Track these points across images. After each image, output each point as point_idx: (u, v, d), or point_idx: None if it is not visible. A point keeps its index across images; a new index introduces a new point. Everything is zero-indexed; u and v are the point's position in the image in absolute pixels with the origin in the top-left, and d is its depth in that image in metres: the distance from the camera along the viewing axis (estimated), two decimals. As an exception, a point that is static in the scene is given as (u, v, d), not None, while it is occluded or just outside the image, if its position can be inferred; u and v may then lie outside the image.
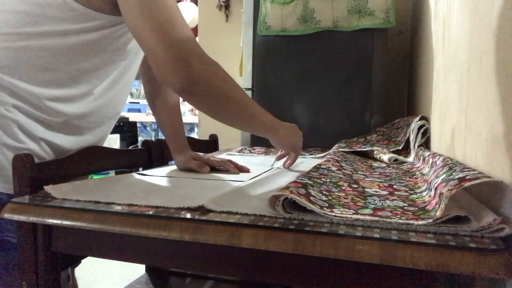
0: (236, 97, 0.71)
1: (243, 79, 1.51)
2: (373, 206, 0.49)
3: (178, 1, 3.86)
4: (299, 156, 0.90)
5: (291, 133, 0.84)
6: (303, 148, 1.37)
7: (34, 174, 0.64)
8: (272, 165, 0.92)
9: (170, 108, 0.96)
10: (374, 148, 1.05)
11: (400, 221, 0.42)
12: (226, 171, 0.84)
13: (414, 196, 0.56)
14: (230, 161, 0.86)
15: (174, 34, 0.63)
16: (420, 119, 1.02)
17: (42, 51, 0.68)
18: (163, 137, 0.99)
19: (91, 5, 0.68)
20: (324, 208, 0.46)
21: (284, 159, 0.90)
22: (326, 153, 1.10)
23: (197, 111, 3.24)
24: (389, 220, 0.43)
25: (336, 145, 1.16)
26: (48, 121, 0.73)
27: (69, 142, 0.78)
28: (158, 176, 0.78)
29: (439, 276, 0.41)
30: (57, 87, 0.72)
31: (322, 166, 0.70)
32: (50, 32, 0.68)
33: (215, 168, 0.86)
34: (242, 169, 0.85)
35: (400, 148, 1.06)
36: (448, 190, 0.43)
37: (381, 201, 0.52)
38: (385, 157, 0.96)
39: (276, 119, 0.81)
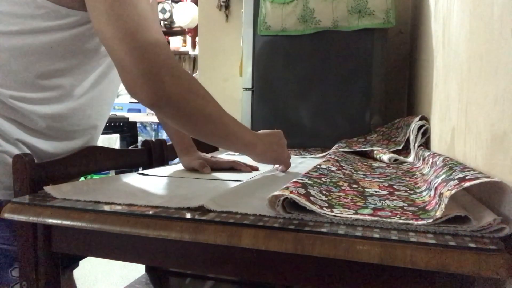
0: (212, 113, 0.67)
1: (243, 79, 1.51)
2: (373, 206, 0.49)
3: (177, 1, 3.86)
4: (298, 156, 0.90)
5: (271, 147, 0.79)
6: (303, 148, 1.37)
7: (34, 174, 0.64)
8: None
9: None
10: (374, 148, 1.05)
11: (400, 221, 0.42)
12: (230, 171, 0.84)
13: (414, 196, 0.56)
14: (237, 161, 0.87)
15: (145, 45, 0.57)
16: (420, 119, 1.02)
17: (10, 51, 0.66)
18: (163, 137, 0.99)
19: (61, 2, 0.64)
20: (324, 208, 0.46)
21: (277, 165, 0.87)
22: (326, 153, 1.10)
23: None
24: (389, 220, 0.43)
25: (336, 145, 1.16)
26: (27, 123, 0.70)
27: (52, 146, 0.75)
28: (158, 176, 0.78)
29: (439, 276, 0.41)
30: (29, 89, 0.69)
31: (322, 166, 0.70)
32: (18, 31, 0.65)
33: (216, 168, 0.87)
34: (252, 168, 0.87)
35: (400, 148, 1.06)
36: (448, 190, 0.43)
37: (381, 201, 0.52)
38: (385, 157, 0.96)
39: (254, 133, 0.77)
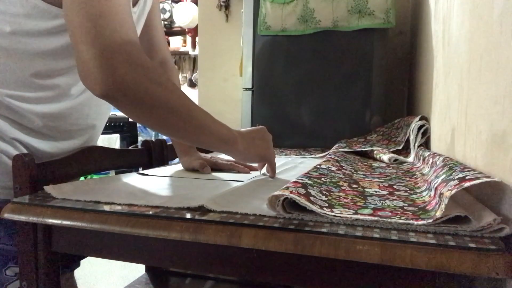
0: (177, 105, 0.60)
1: (243, 79, 1.51)
2: (373, 206, 0.49)
3: (177, 1, 3.86)
4: (298, 156, 0.90)
5: (253, 143, 0.73)
6: (303, 148, 1.37)
7: (34, 174, 0.64)
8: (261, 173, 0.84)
9: None
10: (374, 148, 1.05)
11: (400, 221, 0.42)
12: (230, 171, 0.84)
13: (414, 196, 0.56)
14: (237, 162, 0.87)
15: (103, 30, 0.53)
16: (420, 119, 1.02)
17: (6, 51, 0.65)
18: (163, 137, 0.99)
19: (53, 2, 0.63)
20: (324, 208, 0.46)
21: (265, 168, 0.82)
22: (326, 153, 1.10)
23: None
24: (389, 220, 0.43)
25: (336, 145, 1.16)
26: (24, 122, 0.70)
27: (50, 146, 0.75)
28: (158, 176, 0.78)
29: (439, 276, 0.41)
30: (26, 88, 0.69)
31: (322, 166, 0.70)
32: (13, 31, 0.64)
33: (216, 169, 0.87)
34: (251, 168, 0.86)
35: (400, 148, 1.06)
36: (448, 190, 0.43)
37: (381, 201, 0.52)
38: (385, 157, 0.96)
39: (234, 130, 0.71)
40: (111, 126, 3.17)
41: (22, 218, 0.54)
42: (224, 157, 0.95)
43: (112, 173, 2.41)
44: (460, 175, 0.47)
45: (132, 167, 0.97)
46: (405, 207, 0.49)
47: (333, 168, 0.71)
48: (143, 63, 0.56)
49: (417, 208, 0.48)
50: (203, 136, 0.64)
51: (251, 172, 0.85)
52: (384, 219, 0.43)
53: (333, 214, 0.45)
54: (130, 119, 3.33)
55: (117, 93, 0.54)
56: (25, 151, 0.71)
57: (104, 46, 0.52)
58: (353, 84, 1.38)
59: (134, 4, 0.79)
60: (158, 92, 0.57)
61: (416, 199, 0.54)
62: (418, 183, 0.65)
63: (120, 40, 0.54)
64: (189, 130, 0.63)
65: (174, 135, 0.65)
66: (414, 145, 0.99)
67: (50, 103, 0.72)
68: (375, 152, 1.03)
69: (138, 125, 3.54)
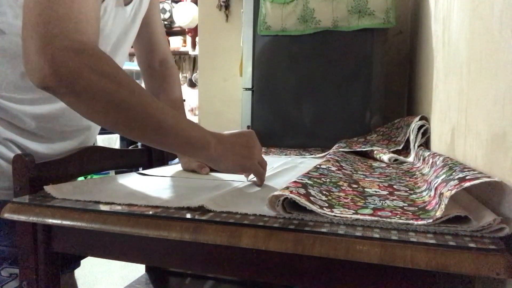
0: (128, 100, 0.53)
1: (243, 79, 1.51)
2: (373, 206, 0.49)
3: (177, 1, 3.86)
4: (298, 156, 0.89)
5: (233, 151, 0.64)
6: (303, 148, 1.37)
7: (34, 174, 0.64)
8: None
9: (173, 106, 0.93)
10: (374, 148, 1.05)
11: (400, 221, 0.42)
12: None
13: (414, 196, 0.56)
14: None
15: (47, 17, 0.49)
16: (420, 119, 1.02)
17: None
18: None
19: None
20: (324, 208, 0.46)
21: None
22: (326, 153, 1.10)
23: (197, 111, 3.24)
24: (389, 220, 0.43)
25: (336, 145, 1.16)
26: (17, 123, 0.70)
27: (44, 147, 0.75)
28: (158, 176, 0.78)
29: (439, 276, 0.41)
30: (17, 89, 0.68)
31: (322, 166, 0.70)
32: (2, 30, 0.63)
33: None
34: None
35: (400, 148, 1.06)
36: (448, 190, 0.43)
37: (381, 201, 0.52)
38: (385, 157, 0.96)
39: (212, 133, 0.62)
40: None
41: (22, 218, 0.54)
42: None
43: (112, 173, 2.41)
44: (460, 175, 0.47)
45: (132, 167, 0.97)
46: (405, 207, 0.49)
47: (333, 168, 0.71)
48: (90, 51, 0.52)
49: (417, 208, 0.48)
50: (165, 137, 0.57)
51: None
52: (384, 219, 0.43)
53: (333, 214, 0.45)
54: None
55: (55, 83, 0.50)
56: (18, 151, 0.70)
57: (43, 32, 0.49)
58: (353, 84, 1.38)
59: (129, 2, 0.78)
60: (101, 83, 0.51)
61: (416, 199, 0.54)
62: (418, 183, 0.65)
63: (63, 25, 0.50)
64: (146, 129, 0.56)
65: (131, 135, 0.57)
66: (414, 145, 0.99)
67: (41, 104, 0.72)
68: (375, 152, 1.03)
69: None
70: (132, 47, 0.91)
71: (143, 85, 0.99)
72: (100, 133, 0.99)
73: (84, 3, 0.53)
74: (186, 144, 0.60)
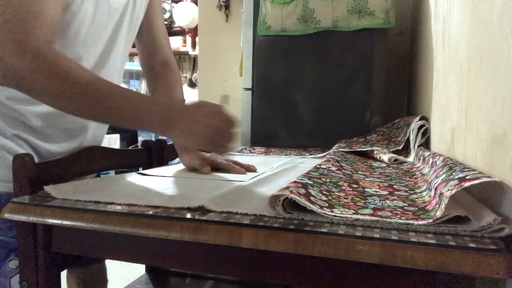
0: (85, 92, 0.58)
1: (243, 79, 1.51)
2: (373, 206, 0.49)
3: (177, 1, 3.86)
4: (298, 156, 0.89)
5: (193, 130, 0.60)
6: (303, 148, 1.37)
7: (34, 174, 0.64)
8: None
9: None
10: (374, 148, 1.05)
11: (400, 221, 0.42)
12: (229, 171, 0.84)
13: (414, 196, 0.56)
14: (235, 162, 0.86)
15: (4, 23, 0.55)
16: (420, 119, 1.02)
17: None
18: (163, 137, 0.99)
19: None
20: (324, 208, 0.46)
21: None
22: (326, 153, 1.10)
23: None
24: (389, 220, 0.43)
25: (336, 145, 1.16)
26: (25, 121, 0.72)
27: (50, 145, 0.76)
28: (158, 176, 0.78)
29: (439, 276, 0.41)
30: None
31: (322, 166, 0.70)
32: None
33: (215, 167, 0.86)
34: (249, 169, 0.84)
35: (400, 148, 1.06)
36: (448, 190, 0.43)
37: (381, 201, 0.52)
38: (385, 157, 0.96)
39: (168, 104, 0.63)
40: (111, 126, 3.16)
41: (22, 218, 0.54)
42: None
43: (112, 173, 2.41)
44: (460, 175, 0.47)
45: (132, 167, 0.97)
46: (405, 207, 0.49)
47: (333, 168, 0.71)
48: (32, 53, 0.56)
49: (417, 208, 0.48)
50: (113, 109, 0.60)
51: (247, 173, 0.83)
52: (384, 219, 0.43)
53: (333, 214, 0.45)
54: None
55: (6, 82, 0.57)
56: (26, 147, 0.72)
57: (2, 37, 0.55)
58: (353, 84, 1.38)
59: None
60: (47, 82, 0.57)
61: (416, 199, 0.54)
62: (418, 183, 0.65)
63: (9, 32, 0.55)
64: (89, 102, 0.60)
65: (91, 119, 0.66)
66: (414, 145, 0.99)
67: (44, 104, 0.72)
68: (375, 152, 1.03)
69: (138, 125, 3.53)
70: (134, 47, 0.91)
71: (144, 85, 1.00)
72: (100, 133, 0.99)
73: (35, 2, 0.58)
74: (138, 118, 0.61)
